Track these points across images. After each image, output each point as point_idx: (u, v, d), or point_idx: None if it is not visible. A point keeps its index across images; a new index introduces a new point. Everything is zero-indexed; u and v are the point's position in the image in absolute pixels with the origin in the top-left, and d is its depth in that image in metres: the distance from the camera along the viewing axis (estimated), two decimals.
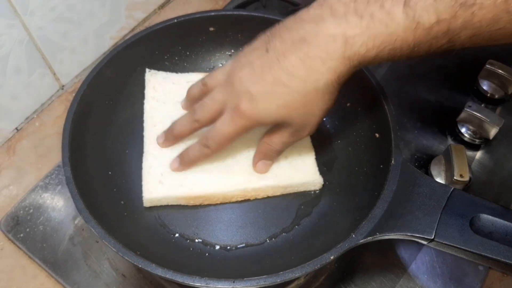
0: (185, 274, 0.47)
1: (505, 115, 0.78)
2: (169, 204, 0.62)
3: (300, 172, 0.64)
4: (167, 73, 0.71)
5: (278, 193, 0.64)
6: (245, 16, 0.72)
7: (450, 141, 0.76)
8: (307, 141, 0.67)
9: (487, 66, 0.79)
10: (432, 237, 0.50)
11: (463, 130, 0.76)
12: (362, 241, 0.51)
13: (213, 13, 0.71)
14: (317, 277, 0.65)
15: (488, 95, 0.80)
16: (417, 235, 0.50)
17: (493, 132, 0.73)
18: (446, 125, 0.78)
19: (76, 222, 0.68)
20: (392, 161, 0.56)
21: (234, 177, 0.62)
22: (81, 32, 0.79)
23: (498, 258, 0.48)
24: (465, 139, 0.76)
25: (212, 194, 0.62)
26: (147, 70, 0.70)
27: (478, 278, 0.64)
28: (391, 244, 0.67)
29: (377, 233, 0.51)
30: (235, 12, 0.72)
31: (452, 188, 0.53)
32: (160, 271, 0.47)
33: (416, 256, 0.66)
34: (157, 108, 0.68)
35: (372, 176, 0.60)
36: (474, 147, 0.76)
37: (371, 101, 0.64)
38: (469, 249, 0.49)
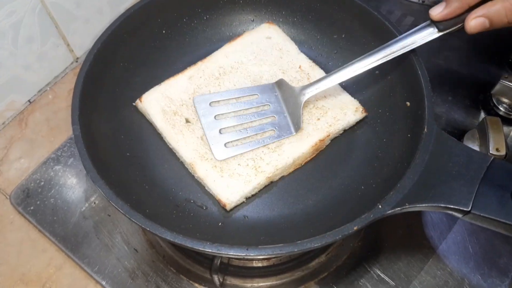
0: (195, 240, 0.43)
1: None
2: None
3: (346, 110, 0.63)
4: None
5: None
6: None
7: (483, 115, 0.72)
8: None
9: None
10: (469, 209, 0.46)
11: (498, 103, 0.71)
12: (389, 212, 0.47)
13: None
14: (339, 256, 0.61)
15: None
16: (452, 206, 0.47)
17: None
18: (479, 98, 0.74)
19: (87, 195, 0.66)
20: (425, 129, 0.52)
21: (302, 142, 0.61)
22: (95, 1, 0.76)
23: None
24: (501, 113, 0.71)
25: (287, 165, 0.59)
26: None
27: None
28: (419, 223, 0.63)
29: (407, 204, 0.47)
30: None
31: (492, 157, 0.49)
32: (169, 235, 0.43)
33: (446, 235, 0.62)
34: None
35: (401, 146, 0.57)
36: (510, 122, 0.71)
37: (403, 67, 0.60)
38: (510, 222, 0.45)
